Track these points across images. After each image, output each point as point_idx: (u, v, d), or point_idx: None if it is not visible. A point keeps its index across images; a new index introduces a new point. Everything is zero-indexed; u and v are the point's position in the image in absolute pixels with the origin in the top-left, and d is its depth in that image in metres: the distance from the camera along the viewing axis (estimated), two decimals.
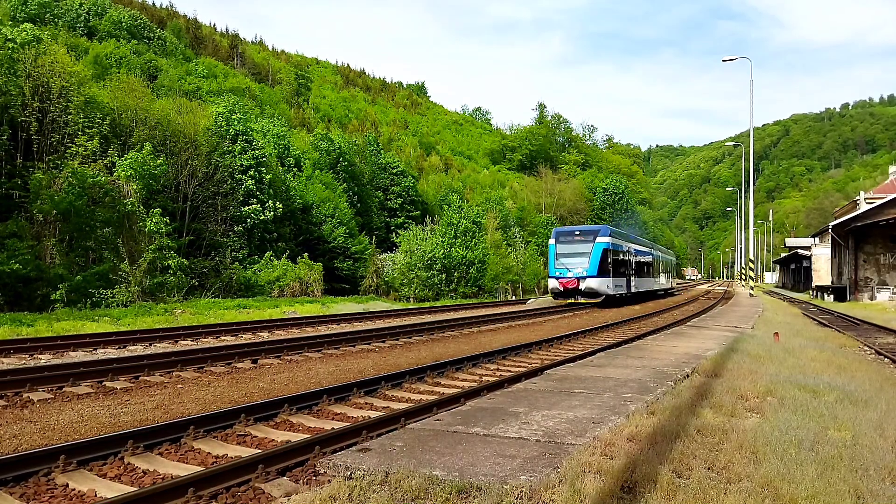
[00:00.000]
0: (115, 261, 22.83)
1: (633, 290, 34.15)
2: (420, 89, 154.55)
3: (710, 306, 30.04)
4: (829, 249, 46.61)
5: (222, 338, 14.77)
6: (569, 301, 29.11)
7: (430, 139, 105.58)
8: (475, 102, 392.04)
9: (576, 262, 28.59)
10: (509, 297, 43.10)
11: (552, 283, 29.56)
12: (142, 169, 25.89)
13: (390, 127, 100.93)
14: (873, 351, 14.05)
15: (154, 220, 24.73)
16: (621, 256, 31.59)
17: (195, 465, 5.18)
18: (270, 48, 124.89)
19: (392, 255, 39.57)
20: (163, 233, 24.82)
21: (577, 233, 30.08)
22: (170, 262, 24.77)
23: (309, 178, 44.37)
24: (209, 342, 13.86)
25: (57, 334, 14.32)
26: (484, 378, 9.63)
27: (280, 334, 15.85)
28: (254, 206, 33.78)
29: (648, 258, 40.37)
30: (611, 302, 30.82)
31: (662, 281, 47.60)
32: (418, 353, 12.20)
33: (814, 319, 23.66)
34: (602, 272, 28.36)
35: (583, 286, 28.24)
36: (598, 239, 28.89)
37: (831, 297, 39.16)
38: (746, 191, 51.63)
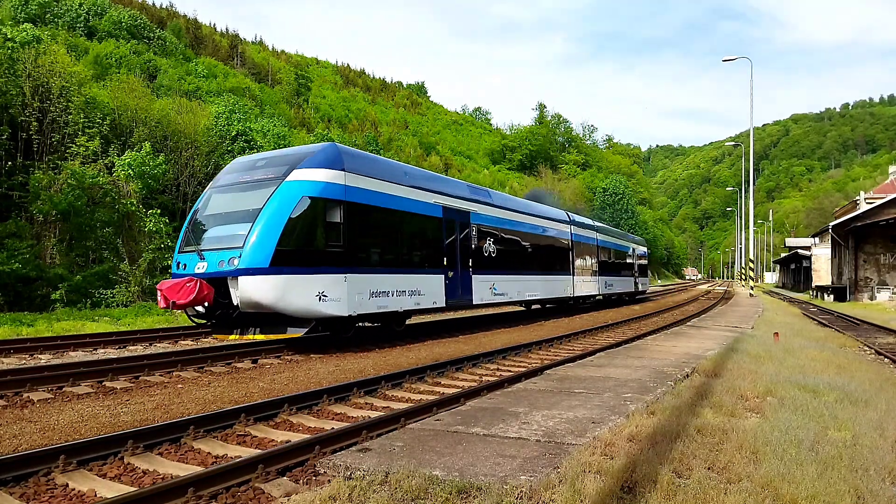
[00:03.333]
0: (115, 261, 22.87)
1: (479, 297, 17.50)
2: (420, 89, 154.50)
3: (710, 306, 30.04)
4: (829, 249, 46.63)
5: None
6: (227, 334, 11.97)
7: (430, 139, 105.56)
8: (475, 102, 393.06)
9: (224, 235, 11.68)
10: None
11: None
12: (141, 169, 25.91)
13: (390, 127, 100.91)
14: (873, 351, 14.06)
15: (154, 220, 24.75)
16: (401, 220, 14.40)
17: (195, 465, 5.18)
18: (270, 48, 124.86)
19: None
20: (163, 233, 24.84)
21: (261, 162, 12.86)
22: (170, 262, 24.78)
23: None
24: (209, 342, 13.86)
25: (57, 334, 14.33)
26: (484, 378, 9.62)
27: None
28: None
29: (543, 236, 23.07)
30: (354, 336, 13.76)
31: (604, 281, 30.53)
32: (418, 353, 12.19)
33: (814, 319, 23.67)
34: (295, 258, 11.43)
35: (235, 294, 11.10)
36: (295, 174, 11.89)
37: (831, 297, 39.16)
38: (746, 191, 51.68)
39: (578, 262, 26.70)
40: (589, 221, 30.81)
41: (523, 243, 21.17)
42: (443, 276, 15.79)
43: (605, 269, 30.84)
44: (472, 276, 17.16)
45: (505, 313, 24.06)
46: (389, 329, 14.78)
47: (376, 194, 13.46)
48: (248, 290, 10.95)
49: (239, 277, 10.97)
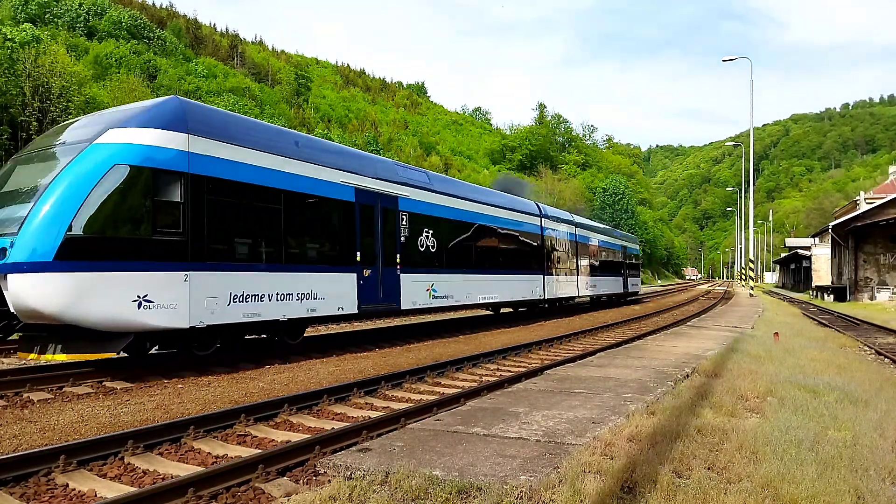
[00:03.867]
0: None
1: (411, 301, 14.57)
2: (420, 89, 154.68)
3: (710, 306, 30.04)
4: (829, 249, 46.65)
5: None
6: (27, 351, 8.72)
7: (430, 139, 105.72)
8: (475, 102, 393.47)
9: (5, 218, 8.27)
10: None
11: None
12: None
13: (390, 127, 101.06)
14: (873, 351, 14.07)
15: None
16: (288, 203, 11.21)
17: (195, 465, 5.18)
18: (270, 48, 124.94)
19: None
20: None
21: (80, 123, 9.88)
22: None
23: None
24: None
25: None
26: (484, 378, 9.63)
27: None
28: None
29: (503, 229, 19.87)
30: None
31: (585, 282, 27.72)
32: (418, 354, 12.20)
33: (814, 319, 23.68)
34: (98, 247, 8.31)
35: (10, 294, 7.78)
36: (109, 136, 8.74)
37: (831, 297, 39.17)
38: (746, 191, 51.69)
39: (552, 259, 23.75)
40: (566, 215, 27.78)
41: (475, 237, 18.01)
42: (355, 275, 12.65)
43: (587, 269, 28.14)
44: (399, 275, 14.15)
45: (505, 314, 24.02)
46: (282, 343, 11.68)
47: (244, 167, 10.29)
48: (21, 293, 7.78)
49: (8, 276, 7.79)
